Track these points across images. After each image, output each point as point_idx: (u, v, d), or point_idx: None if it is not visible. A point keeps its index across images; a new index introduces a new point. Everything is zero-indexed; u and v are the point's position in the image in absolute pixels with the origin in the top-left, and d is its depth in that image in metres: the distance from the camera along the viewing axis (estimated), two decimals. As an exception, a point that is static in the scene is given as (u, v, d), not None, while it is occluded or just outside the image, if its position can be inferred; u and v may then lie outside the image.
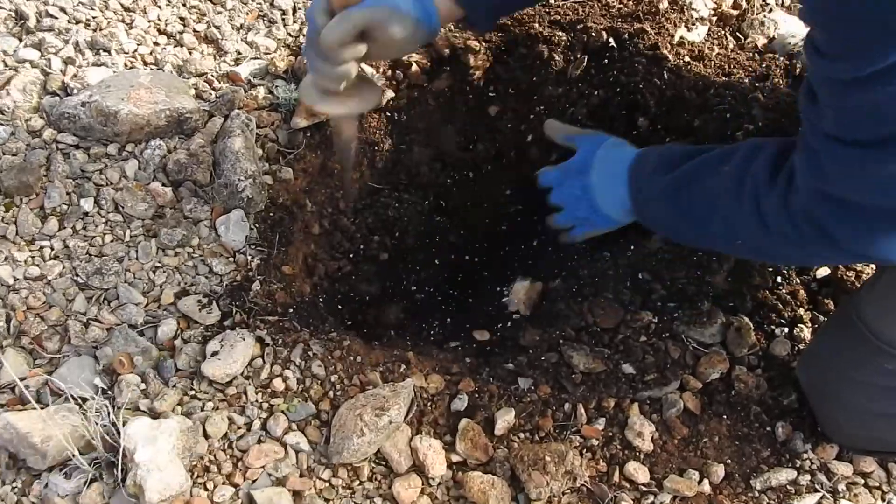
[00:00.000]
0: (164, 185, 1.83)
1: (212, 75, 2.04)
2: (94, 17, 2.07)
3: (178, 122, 1.88)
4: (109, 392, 1.58)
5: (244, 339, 1.65)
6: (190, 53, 2.07)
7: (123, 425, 1.48)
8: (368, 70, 1.99)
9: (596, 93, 2.00)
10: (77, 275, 1.71)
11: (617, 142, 1.74)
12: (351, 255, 2.05)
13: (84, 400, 1.55)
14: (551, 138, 1.84)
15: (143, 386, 1.59)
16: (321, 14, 1.48)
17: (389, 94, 2.05)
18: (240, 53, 2.10)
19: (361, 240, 2.08)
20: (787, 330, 1.77)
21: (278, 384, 1.63)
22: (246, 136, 1.86)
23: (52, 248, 1.74)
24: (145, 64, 2.02)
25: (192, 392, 1.61)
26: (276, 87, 2.03)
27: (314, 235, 1.97)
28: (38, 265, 1.71)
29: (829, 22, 1.03)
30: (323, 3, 1.49)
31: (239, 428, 1.57)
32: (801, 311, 1.78)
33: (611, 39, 2.00)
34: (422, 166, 2.17)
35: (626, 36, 2.00)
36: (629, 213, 1.66)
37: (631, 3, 2.10)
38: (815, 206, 1.25)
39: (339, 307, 1.91)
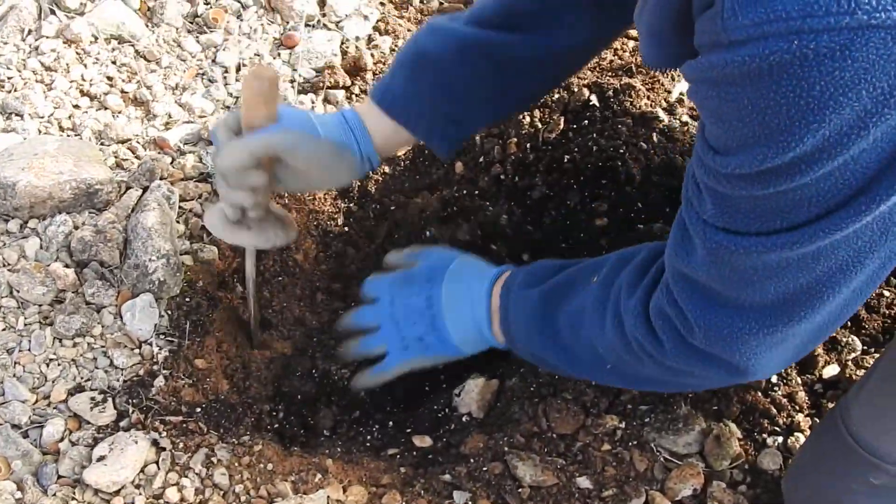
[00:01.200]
0: (66, 265, 1.93)
1: (136, 142, 2.17)
2: (9, 78, 2.23)
3: (86, 194, 2.00)
4: None
5: (137, 443, 1.72)
6: (114, 117, 2.21)
7: None
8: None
9: (567, 158, 2.07)
10: None
11: (472, 257, 1.81)
12: (290, 348, 2.12)
13: None
14: (388, 264, 1.91)
15: (18, 495, 1.67)
16: (226, 131, 1.60)
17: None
18: (171, 117, 2.23)
19: (298, 327, 2.16)
20: (780, 439, 1.79)
21: (172, 495, 1.69)
22: (163, 210, 1.97)
23: None
24: (61, 129, 2.16)
25: (73, 502, 1.68)
26: (209, 154, 2.15)
27: (242, 328, 2.05)
28: None
29: (725, 113, 1.08)
30: (231, 119, 1.60)
31: None
32: (800, 416, 1.80)
33: (593, 97, 2.08)
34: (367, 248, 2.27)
35: (610, 93, 2.08)
36: (477, 339, 1.72)
37: (626, 53, 2.19)
38: (675, 289, 1.31)
39: (263, 407, 1.98)
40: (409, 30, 2.45)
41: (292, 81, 2.30)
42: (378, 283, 1.85)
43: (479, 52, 1.63)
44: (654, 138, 2.03)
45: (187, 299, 1.97)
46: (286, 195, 2.12)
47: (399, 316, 1.79)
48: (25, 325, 1.88)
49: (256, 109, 1.54)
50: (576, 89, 2.11)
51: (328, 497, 1.71)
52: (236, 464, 1.76)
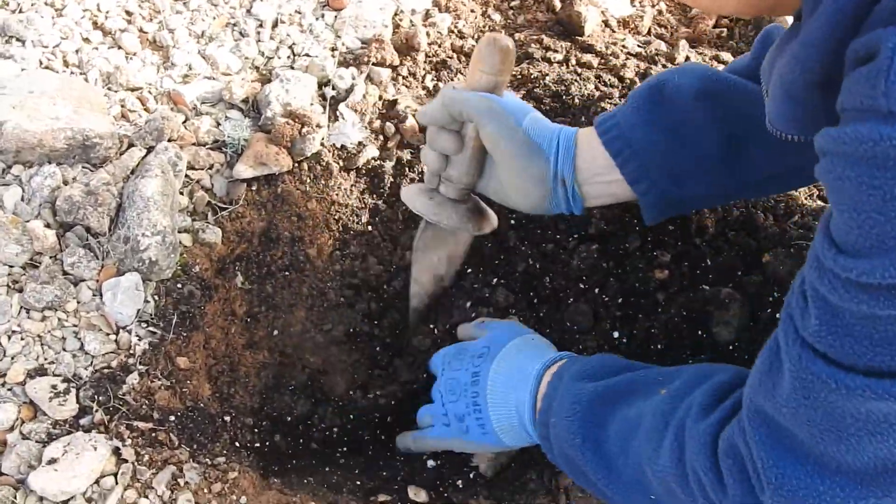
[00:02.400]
0: (47, 225, 1.76)
1: (148, 91, 1.98)
2: (16, -7, 2.03)
3: (82, 146, 1.82)
4: None
5: (96, 448, 1.56)
6: (127, 59, 2.02)
7: None
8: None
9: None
10: None
11: (541, 339, 1.70)
12: (278, 354, 1.94)
13: None
14: (459, 336, 1.85)
15: None
16: (448, 89, 1.59)
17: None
18: (191, 69, 2.04)
19: (297, 332, 1.97)
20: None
21: None
22: (167, 178, 1.79)
23: None
24: (66, 65, 1.97)
25: None
26: (227, 119, 1.96)
27: (236, 322, 1.88)
28: None
29: (865, 202, 0.87)
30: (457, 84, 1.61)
31: None
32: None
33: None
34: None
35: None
36: (518, 428, 1.60)
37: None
38: (750, 428, 1.12)
39: (245, 421, 1.80)
40: (471, 10, 2.24)
41: (333, 50, 2.09)
42: (437, 356, 1.81)
43: (718, 94, 1.50)
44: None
45: (179, 285, 1.80)
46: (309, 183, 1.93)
47: (444, 389, 1.71)
48: None
49: (480, 77, 1.56)
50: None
51: None
52: (205, 490, 1.60)
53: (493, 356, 1.65)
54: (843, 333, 0.95)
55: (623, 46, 2.15)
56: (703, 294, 1.83)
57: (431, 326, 1.90)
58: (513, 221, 1.97)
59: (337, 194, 1.96)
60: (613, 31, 2.24)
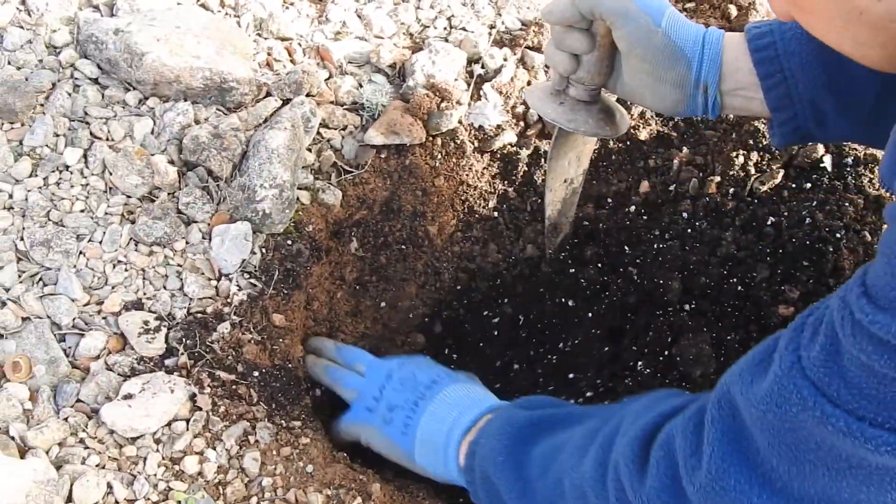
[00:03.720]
0: (171, 162, 1.76)
1: (297, 43, 1.96)
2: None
3: (218, 88, 1.81)
4: None
5: (173, 391, 1.56)
6: (284, 8, 2.00)
7: None
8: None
9: (770, 221, 1.78)
10: (22, 238, 1.66)
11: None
12: (381, 327, 1.90)
13: None
14: None
15: (27, 405, 1.52)
16: None
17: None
18: (345, 26, 2.01)
19: (406, 307, 1.93)
20: None
21: (191, 464, 1.52)
22: (296, 133, 1.77)
23: (11, 196, 1.70)
24: (222, 5, 1.97)
25: (82, 435, 1.52)
26: (370, 82, 1.93)
27: (343, 288, 1.85)
28: None
29: None
30: None
31: (116, 503, 1.47)
32: None
33: (827, 158, 1.78)
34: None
35: (850, 160, 1.78)
36: (434, 450, 1.58)
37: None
38: (713, 413, 1.07)
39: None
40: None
41: (491, 27, 2.03)
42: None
43: None
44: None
45: (289, 242, 1.78)
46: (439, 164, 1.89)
47: (396, 376, 1.68)
48: (106, 213, 1.72)
49: None
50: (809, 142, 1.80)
51: None
52: (274, 452, 1.57)
53: (455, 380, 1.64)
54: (837, 373, 0.91)
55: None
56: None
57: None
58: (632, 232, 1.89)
59: (467, 175, 1.92)
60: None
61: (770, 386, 0.97)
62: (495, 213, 1.96)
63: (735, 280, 1.81)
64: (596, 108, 1.58)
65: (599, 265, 1.92)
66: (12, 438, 1.47)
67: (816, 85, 1.40)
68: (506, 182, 1.96)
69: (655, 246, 1.87)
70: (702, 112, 1.50)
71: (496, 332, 1.95)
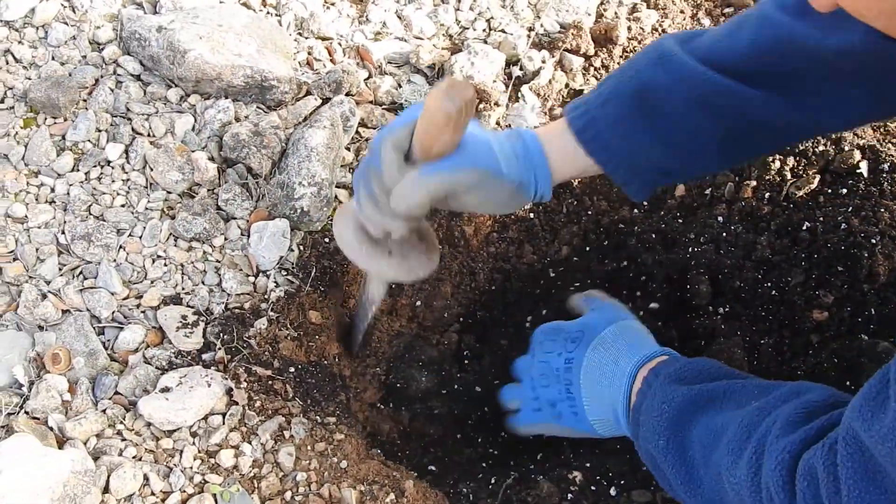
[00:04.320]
0: (211, 158, 1.78)
1: (338, 43, 1.98)
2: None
3: (259, 87, 1.83)
4: (24, 389, 1.54)
5: (209, 385, 1.57)
6: (325, 8, 2.01)
7: (0, 440, 1.43)
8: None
9: (805, 226, 1.80)
10: (63, 232, 1.68)
11: (640, 327, 1.61)
12: (416, 325, 1.91)
13: None
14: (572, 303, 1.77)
15: (66, 396, 1.54)
16: (394, 151, 1.37)
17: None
18: (385, 26, 2.03)
19: (442, 311, 1.94)
20: None
21: (227, 458, 1.53)
22: (335, 131, 1.79)
23: (53, 190, 1.73)
24: (263, 5, 1.99)
25: (120, 427, 1.53)
26: (409, 82, 1.94)
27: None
28: (27, 204, 1.70)
29: None
30: (401, 135, 1.37)
31: (151, 494, 1.48)
32: None
33: (863, 164, 1.78)
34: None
35: (886, 166, 1.77)
36: (613, 424, 1.54)
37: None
38: (843, 453, 1.04)
39: (367, 387, 1.78)
40: (681, 10, 2.16)
41: (530, 30, 2.04)
42: (534, 334, 1.71)
43: (716, 104, 1.36)
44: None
45: (326, 240, 1.79)
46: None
47: (535, 373, 1.65)
48: (146, 209, 1.74)
49: (440, 134, 1.31)
50: (846, 147, 1.81)
51: None
52: (309, 447, 1.58)
53: (588, 343, 1.58)
54: None
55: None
56: (859, 344, 1.70)
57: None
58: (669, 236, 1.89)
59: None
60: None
61: (892, 421, 0.97)
62: (531, 214, 1.96)
63: (769, 284, 1.80)
64: (415, 242, 1.52)
65: (633, 268, 1.92)
66: (51, 429, 1.49)
67: (652, 155, 1.42)
68: (542, 184, 1.96)
69: (690, 249, 1.87)
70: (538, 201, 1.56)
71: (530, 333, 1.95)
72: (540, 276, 1.96)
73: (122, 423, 1.53)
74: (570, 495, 1.63)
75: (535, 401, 1.64)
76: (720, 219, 1.89)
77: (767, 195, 1.90)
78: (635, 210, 1.98)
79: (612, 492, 1.64)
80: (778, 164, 1.89)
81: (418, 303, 1.90)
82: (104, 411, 1.53)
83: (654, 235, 1.92)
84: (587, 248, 1.99)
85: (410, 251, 1.50)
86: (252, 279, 1.72)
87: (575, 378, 1.57)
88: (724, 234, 1.85)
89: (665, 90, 1.37)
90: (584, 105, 1.45)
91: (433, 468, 1.76)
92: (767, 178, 1.88)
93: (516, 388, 1.69)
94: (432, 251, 1.56)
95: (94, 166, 1.75)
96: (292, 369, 1.66)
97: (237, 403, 1.58)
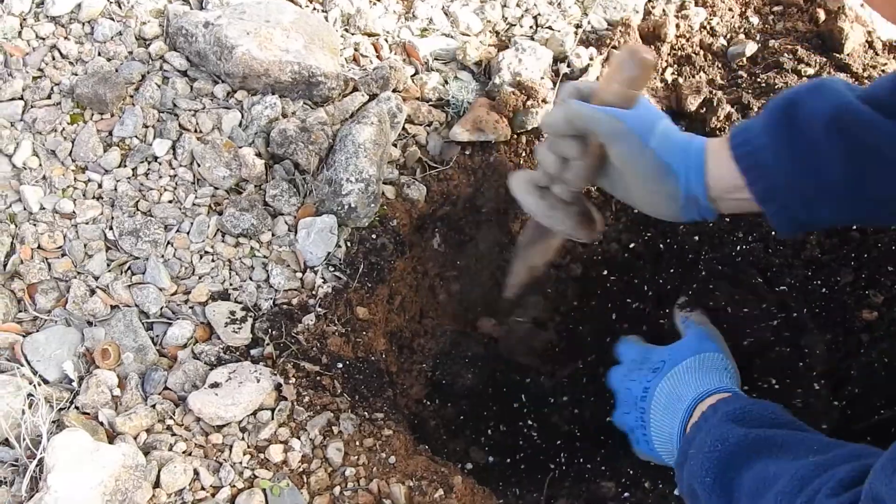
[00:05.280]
0: (258, 154, 1.80)
1: (384, 39, 1.99)
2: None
3: (306, 83, 1.85)
4: (74, 384, 1.56)
5: (258, 381, 1.59)
6: (371, 4, 2.03)
7: (52, 434, 1.45)
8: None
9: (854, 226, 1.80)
10: (111, 228, 1.71)
11: (718, 361, 1.62)
12: (463, 323, 1.93)
13: (46, 381, 1.55)
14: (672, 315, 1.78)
15: (116, 391, 1.56)
16: (572, 91, 1.50)
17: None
18: (431, 23, 2.04)
19: (488, 309, 1.96)
20: None
21: (276, 453, 1.55)
22: (383, 127, 1.80)
23: (100, 186, 1.75)
24: (310, 1, 1.99)
25: (170, 422, 1.56)
26: (456, 79, 1.96)
27: (426, 283, 1.88)
28: (74, 200, 1.73)
29: None
30: (585, 86, 1.50)
31: (202, 489, 1.50)
32: None
33: None
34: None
35: None
36: (674, 453, 1.55)
37: None
38: None
39: (414, 384, 1.80)
40: (729, 8, 2.16)
41: (577, 27, 2.06)
42: (622, 352, 1.76)
43: (848, 128, 1.36)
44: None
45: (374, 236, 1.81)
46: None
47: (622, 398, 1.70)
48: (193, 204, 1.76)
49: (613, 86, 1.44)
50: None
51: None
52: (357, 442, 1.60)
53: (665, 374, 1.61)
54: None
55: (883, 72, 2.02)
56: (905, 349, 1.71)
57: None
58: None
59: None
60: (877, 54, 2.10)
61: None
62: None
63: (819, 283, 1.81)
64: (574, 210, 1.59)
65: (679, 266, 1.92)
66: (101, 424, 1.51)
67: (789, 172, 1.40)
68: (590, 180, 1.98)
69: (738, 247, 1.87)
70: (699, 216, 1.52)
71: (579, 328, 1.96)
72: (588, 275, 1.97)
73: (171, 418, 1.56)
74: (623, 491, 1.65)
75: (624, 423, 1.68)
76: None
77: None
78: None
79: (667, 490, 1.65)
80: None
81: (464, 300, 1.92)
82: (154, 406, 1.55)
83: (699, 236, 1.93)
84: (632, 246, 2.01)
85: (563, 209, 1.57)
86: (299, 275, 1.74)
87: (647, 407, 1.60)
88: (773, 232, 1.85)
89: (810, 107, 1.38)
90: (744, 121, 1.49)
91: (479, 464, 1.77)
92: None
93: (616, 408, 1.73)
94: (588, 225, 1.61)
95: (142, 162, 1.77)
96: (340, 365, 1.68)
97: (286, 399, 1.60)
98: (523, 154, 1.90)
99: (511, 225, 1.93)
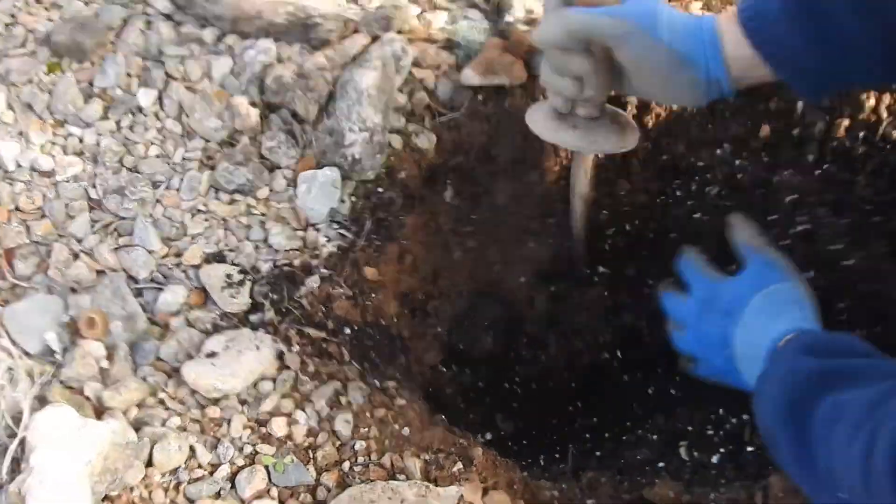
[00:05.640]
0: (252, 103, 1.73)
1: (386, -25, 1.91)
2: None
3: (303, 25, 1.77)
4: (58, 356, 1.50)
5: (259, 349, 1.53)
6: (372, -62, 1.95)
7: (34, 411, 1.39)
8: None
9: None
10: (94, 186, 1.65)
11: (789, 292, 1.54)
12: (480, 282, 1.87)
13: (28, 354, 1.49)
14: (729, 238, 1.68)
15: (104, 363, 1.50)
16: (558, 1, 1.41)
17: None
18: (438, -43, 1.96)
19: (505, 266, 1.89)
20: None
21: (279, 426, 1.49)
22: (387, 72, 1.73)
23: (81, 141, 1.69)
24: (307, -66, 1.92)
25: (162, 395, 1.50)
26: (465, 18, 1.89)
27: (438, 239, 1.84)
28: (53, 156, 1.67)
29: None
30: None
31: (199, 467, 1.44)
32: None
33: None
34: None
35: None
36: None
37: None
38: None
39: (428, 349, 1.74)
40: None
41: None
42: (677, 306, 1.66)
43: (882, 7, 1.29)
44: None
45: (380, 189, 1.75)
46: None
47: (703, 341, 1.61)
48: (183, 159, 1.71)
49: None
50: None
51: (461, 497, 1.45)
52: (367, 413, 1.54)
53: (739, 316, 1.54)
54: None
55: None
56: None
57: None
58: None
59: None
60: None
61: None
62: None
63: (853, 238, 1.78)
64: (607, 121, 1.56)
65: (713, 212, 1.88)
66: (88, 399, 1.46)
67: (819, 58, 1.35)
68: (612, 125, 1.91)
69: (764, 178, 1.85)
70: (721, 97, 1.47)
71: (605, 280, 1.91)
72: (613, 223, 1.91)
73: (164, 391, 1.50)
74: (656, 459, 1.60)
75: (706, 362, 1.61)
76: (810, 157, 1.84)
77: (862, 134, 1.84)
78: (717, 151, 1.92)
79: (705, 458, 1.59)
80: (873, 101, 1.82)
81: (479, 257, 1.87)
82: (145, 379, 1.50)
83: (739, 176, 1.86)
84: (664, 195, 1.95)
85: (598, 128, 1.53)
86: (301, 234, 1.67)
87: (731, 355, 1.55)
88: (817, 171, 1.80)
89: None
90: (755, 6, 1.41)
91: (502, 433, 1.72)
92: (861, 117, 1.81)
93: (684, 338, 1.65)
94: (626, 131, 1.58)
95: (126, 114, 1.71)
96: (347, 330, 1.62)
97: (289, 368, 1.55)
98: (540, 98, 1.82)
99: (530, 174, 1.85)
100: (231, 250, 1.64)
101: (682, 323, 1.64)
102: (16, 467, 1.35)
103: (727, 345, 1.54)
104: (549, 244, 1.92)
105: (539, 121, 1.55)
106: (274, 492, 1.43)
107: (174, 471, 1.42)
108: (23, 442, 1.36)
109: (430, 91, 1.83)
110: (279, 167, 1.71)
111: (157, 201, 1.65)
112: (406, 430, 1.52)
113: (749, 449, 1.65)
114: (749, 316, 1.52)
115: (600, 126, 1.53)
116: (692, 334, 1.62)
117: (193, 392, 1.49)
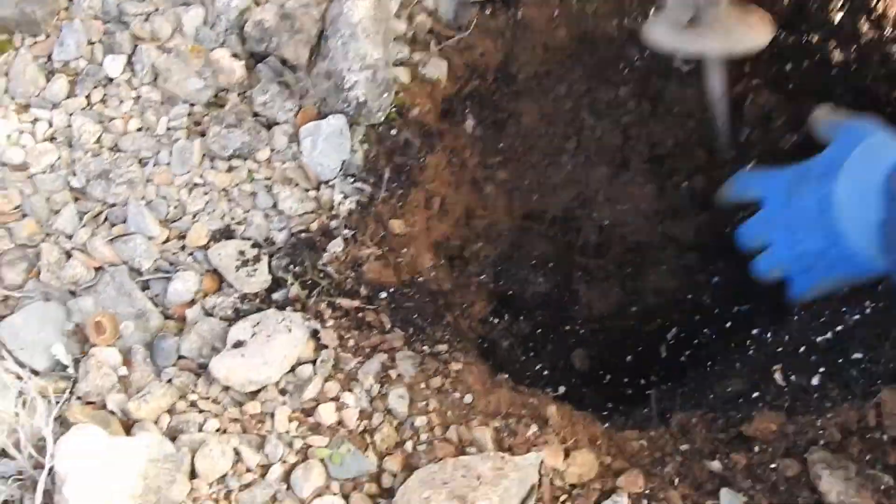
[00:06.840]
0: (235, 55, 1.74)
1: None
2: None
3: (278, -44, 1.77)
4: (70, 370, 1.50)
5: (290, 331, 1.52)
6: None
7: (57, 436, 1.38)
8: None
9: None
10: (74, 173, 1.65)
11: (882, 140, 1.58)
12: (519, 217, 1.87)
13: (37, 373, 1.50)
14: (812, 131, 1.71)
15: (122, 371, 1.51)
16: None
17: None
18: None
19: (550, 199, 1.89)
20: None
21: (327, 413, 1.49)
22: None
23: (51, 125, 1.69)
24: None
25: (193, 397, 1.50)
26: None
27: (465, 177, 1.84)
28: (23, 146, 1.67)
29: None
30: None
31: (248, 471, 1.45)
32: None
33: None
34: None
35: None
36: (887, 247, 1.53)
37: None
38: None
39: (474, 302, 1.74)
40: None
41: None
42: (769, 178, 1.71)
43: None
44: None
45: (393, 132, 1.75)
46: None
47: (794, 225, 1.64)
48: (168, 129, 1.71)
49: None
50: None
51: (542, 463, 1.45)
52: (422, 385, 1.54)
53: (836, 173, 1.57)
54: None
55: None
56: None
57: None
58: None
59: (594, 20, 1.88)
60: None
61: None
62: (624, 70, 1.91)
63: None
64: (739, 19, 1.59)
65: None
66: (112, 413, 1.46)
67: None
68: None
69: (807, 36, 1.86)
70: None
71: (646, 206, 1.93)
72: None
73: (194, 391, 1.51)
74: (750, 390, 1.61)
75: (801, 258, 1.64)
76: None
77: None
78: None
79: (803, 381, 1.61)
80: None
81: (515, 190, 1.87)
82: (170, 381, 1.51)
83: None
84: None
85: (733, 25, 1.59)
86: (313, 194, 1.68)
87: (829, 218, 1.57)
88: None
89: None
90: None
91: (572, 383, 1.73)
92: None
93: (770, 255, 1.68)
94: (760, 24, 1.63)
95: (95, 87, 1.72)
96: (383, 294, 1.63)
97: (327, 347, 1.55)
98: (555, 3, 1.83)
99: (557, 88, 1.84)
100: (239, 223, 1.65)
101: (767, 231, 1.67)
102: (49, 501, 1.35)
103: (827, 207, 1.56)
104: (588, 163, 1.92)
105: (664, 34, 1.60)
106: (335, 486, 1.43)
107: (222, 479, 1.43)
108: (51, 472, 1.35)
109: (431, 12, 1.85)
110: (277, 123, 1.71)
111: (148, 180, 1.65)
112: (468, 398, 1.53)
113: (855, 357, 1.66)
114: (853, 161, 1.56)
115: (732, 24, 1.58)
116: (783, 227, 1.65)
117: (227, 389, 1.50)
